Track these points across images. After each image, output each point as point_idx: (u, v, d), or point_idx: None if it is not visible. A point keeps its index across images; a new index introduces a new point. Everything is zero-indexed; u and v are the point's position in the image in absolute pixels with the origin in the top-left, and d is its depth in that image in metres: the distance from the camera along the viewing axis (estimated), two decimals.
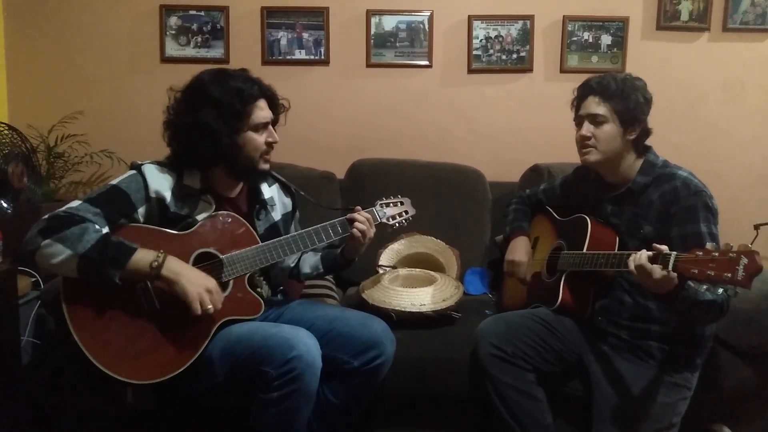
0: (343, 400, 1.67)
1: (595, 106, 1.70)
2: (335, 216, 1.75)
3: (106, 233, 1.46)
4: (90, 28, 2.72)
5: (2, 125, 2.05)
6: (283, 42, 2.75)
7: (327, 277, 2.21)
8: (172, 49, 2.73)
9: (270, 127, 1.68)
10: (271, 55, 2.75)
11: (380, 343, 1.66)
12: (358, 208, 1.77)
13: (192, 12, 2.72)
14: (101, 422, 1.82)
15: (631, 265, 1.43)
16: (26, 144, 2.11)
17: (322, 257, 1.87)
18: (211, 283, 1.51)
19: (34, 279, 2.19)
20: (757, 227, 2.50)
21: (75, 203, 1.49)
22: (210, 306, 1.48)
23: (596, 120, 1.70)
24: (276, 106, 1.71)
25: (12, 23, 2.70)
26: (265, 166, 1.69)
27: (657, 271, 1.37)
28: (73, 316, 1.44)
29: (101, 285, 1.44)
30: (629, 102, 1.67)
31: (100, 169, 2.69)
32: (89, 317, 1.46)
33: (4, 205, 2.00)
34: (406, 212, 1.87)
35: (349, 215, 1.74)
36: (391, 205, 1.85)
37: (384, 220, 1.82)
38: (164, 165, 1.64)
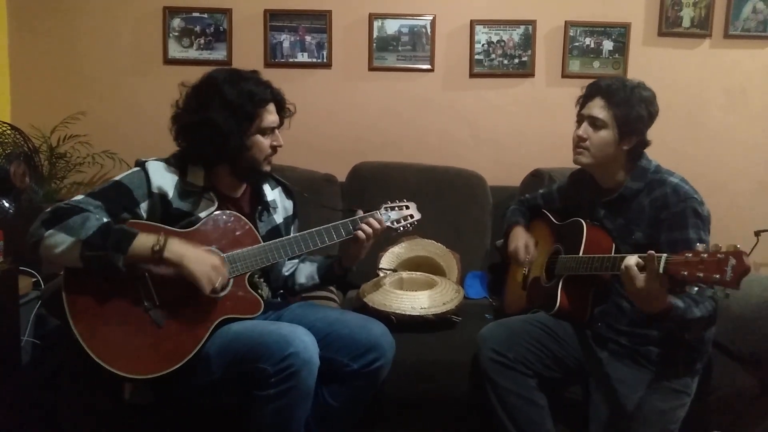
0: (343, 403, 1.67)
1: (598, 109, 1.69)
2: (338, 219, 1.75)
3: (108, 221, 1.48)
4: (93, 29, 2.73)
5: (5, 125, 2.05)
6: (286, 45, 2.75)
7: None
8: (175, 50, 2.74)
9: (276, 131, 1.70)
10: (273, 58, 2.75)
11: (379, 345, 1.66)
12: (360, 211, 1.77)
13: (195, 14, 2.73)
14: (101, 421, 1.82)
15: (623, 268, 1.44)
16: (29, 144, 2.11)
17: (318, 266, 1.88)
18: (215, 260, 1.53)
19: (34, 279, 2.18)
20: (757, 234, 2.51)
21: (77, 197, 1.54)
22: (218, 284, 1.52)
23: (595, 123, 1.69)
24: (283, 110, 1.73)
25: (15, 23, 2.70)
26: (267, 168, 1.72)
27: (640, 278, 1.37)
28: (73, 309, 1.45)
29: (106, 272, 1.45)
30: (632, 113, 1.65)
31: (102, 170, 2.69)
32: (89, 311, 1.47)
33: (6, 204, 2.00)
34: (411, 216, 1.85)
35: (358, 219, 1.73)
36: (396, 208, 1.84)
37: (388, 224, 1.80)
38: (168, 162, 1.66)
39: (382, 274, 2.20)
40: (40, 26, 2.71)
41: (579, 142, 1.72)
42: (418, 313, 1.92)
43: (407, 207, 1.86)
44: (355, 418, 1.74)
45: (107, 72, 2.75)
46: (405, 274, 2.21)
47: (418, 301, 1.97)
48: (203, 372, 1.55)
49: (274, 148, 1.70)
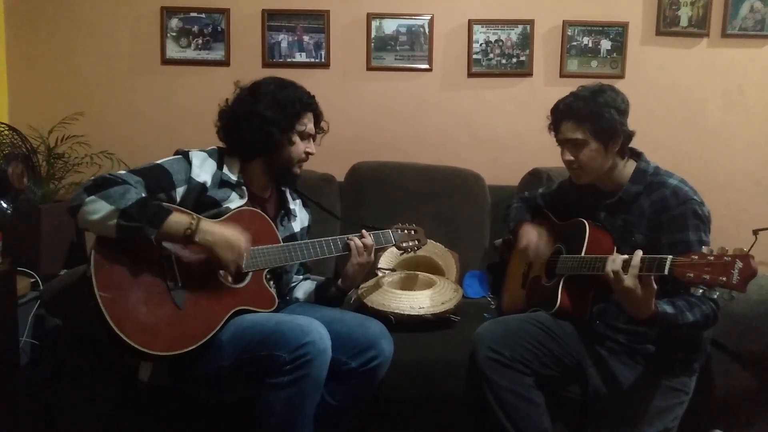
0: (341, 401, 1.68)
1: (571, 132, 1.68)
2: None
3: (147, 196, 1.55)
4: (91, 29, 2.73)
5: (3, 126, 2.05)
6: (284, 45, 2.75)
7: None
8: (173, 50, 2.74)
9: (311, 140, 1.83)
10: (271, 58, 2.75)
11: (378, 343, 1.67)
12: (373, 228, 1.90)
13: (193, 14, 2.73)
14: (100, 421, 1.82)
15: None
16: (26, 144, 2.11)
17: (317, 285, 1.94)
18: (243, 244, 1.61)
19: (33, 279, 2.18)
20: (755, 232, 2.51)
21: (120, 171, 1.61)
22: (243, 263, 1.61)
23: (575, 144, 1.68)
24: (318, 126, 1.88)
25: (13, 24, 2.70)
26: (297, 170, 1.83)
27: (622, 277, 1.41)
28: (100, 278, 1.48)
29: (137, 243, 1.51)
30: (603, 120, 1.64)
31: (100, 171, 2.68)
32: (114, 282, 1.50)
33: (4, 205, 2.00)
34: (419, 240, 2.00)
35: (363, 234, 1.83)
36: (406, 231, 1.99)
37: (396, 243, 1.94)
38: (208, 153, 1.74)
39: (380, 274, 2.20)
40: (37, 26, 2.71)
41: (571, 165, 1.73)
42: (416, 313, 1.92)
43: (415, 231, 2.00)
44: (354, 416, 1.74)
45: (105, 72, 2.75)
46: (403, 274, 2.21)
47: (417, 300, 1.97)
48: (214, 358, 1.57)
49: (307, 154, 1.81)
